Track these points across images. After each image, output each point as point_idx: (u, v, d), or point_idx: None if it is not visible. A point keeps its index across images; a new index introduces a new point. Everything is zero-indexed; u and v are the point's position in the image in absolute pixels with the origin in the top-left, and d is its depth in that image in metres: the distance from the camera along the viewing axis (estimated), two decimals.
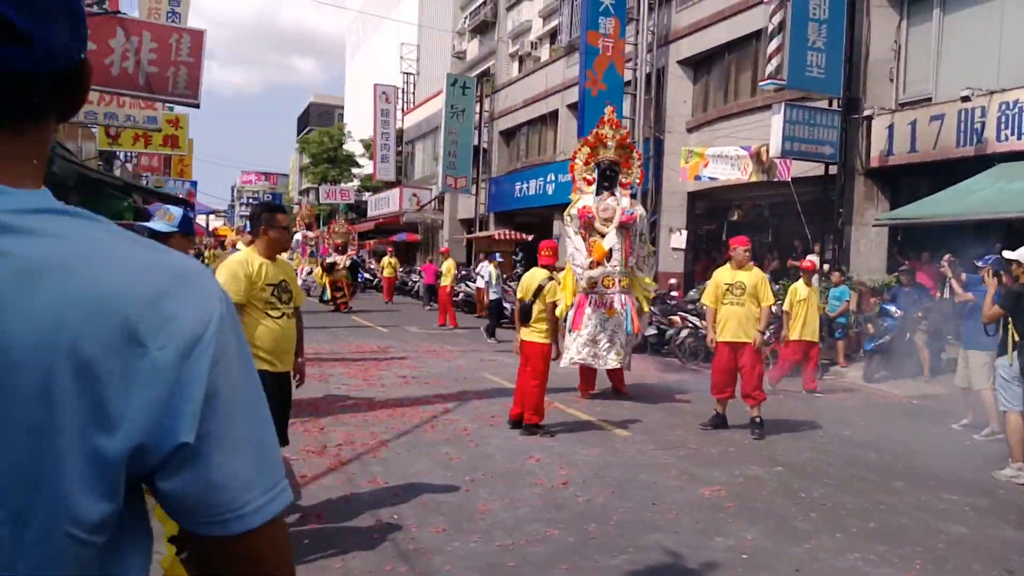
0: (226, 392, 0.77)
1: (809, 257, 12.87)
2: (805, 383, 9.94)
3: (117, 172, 22.44)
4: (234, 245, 9.06)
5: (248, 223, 4.54)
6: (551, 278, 7.27)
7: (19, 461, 0.68)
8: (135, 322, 0.72)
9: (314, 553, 4.21)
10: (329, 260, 20.98)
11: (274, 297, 4.43)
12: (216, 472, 0.77)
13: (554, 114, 23.78)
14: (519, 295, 7.48)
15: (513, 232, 24.05)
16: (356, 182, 45.81)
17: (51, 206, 0.75)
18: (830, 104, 13.00)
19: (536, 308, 7.14)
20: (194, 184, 27.90)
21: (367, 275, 26.92)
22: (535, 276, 7.32)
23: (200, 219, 23.02)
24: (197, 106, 13.02)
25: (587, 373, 9.24)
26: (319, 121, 61.06)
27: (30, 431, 0.69)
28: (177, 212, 4.22)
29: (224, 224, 45.56)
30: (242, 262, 4.38)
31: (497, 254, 18.23)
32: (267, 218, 4.50)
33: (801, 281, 9.94)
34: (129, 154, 24.58)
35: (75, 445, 0.70)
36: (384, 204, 36.72)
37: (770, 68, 12.31)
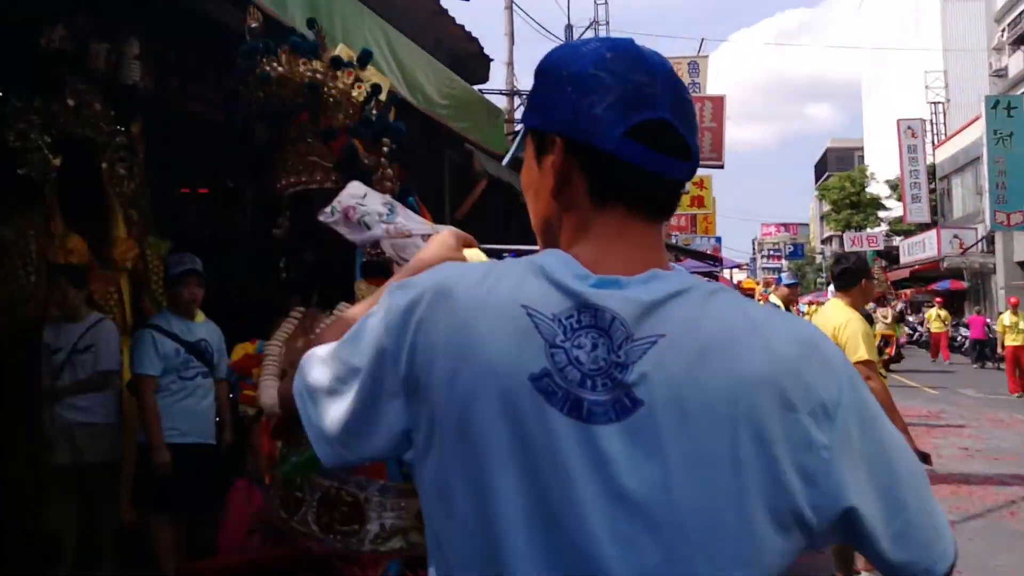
0: (873, 449, 0.82)
1: None
2: None
3: None
4: (766, 299, 9.06)
5: (835, 276, 4.51)
6: None
7: (719, 520, 0.77)
8: (786, 389, 0.79)
9: None
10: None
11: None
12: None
13: None
14: None
15: None
16: (883, 226, 42.55)
17: (694, 282, 0.85)
18: None
19: None
20: (718, 240, 29.28)
21: (908, 329, 24.47)
22: None
23: (724, 273, 23.91)
24: (721, 166, 13.71)
25: None
26: (837, 166, 58.87)
27: (724, 493, 0.77)
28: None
29: (747, 277, 46.66)
30: (858, 318, 4.22)
31: None
32: (865, 270, 4.45)
33: None
34: None
35: (759, 505, 0.78)
36: (919, 249, 33.13)
37: None
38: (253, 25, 2.15)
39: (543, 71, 0.93)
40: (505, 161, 1.17)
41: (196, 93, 4.38)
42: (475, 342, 0.82)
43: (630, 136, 0.85)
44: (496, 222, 9.96)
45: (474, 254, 1.23)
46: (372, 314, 0.92)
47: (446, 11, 6.52)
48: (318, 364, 0.95)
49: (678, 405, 0.78)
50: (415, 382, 0.85)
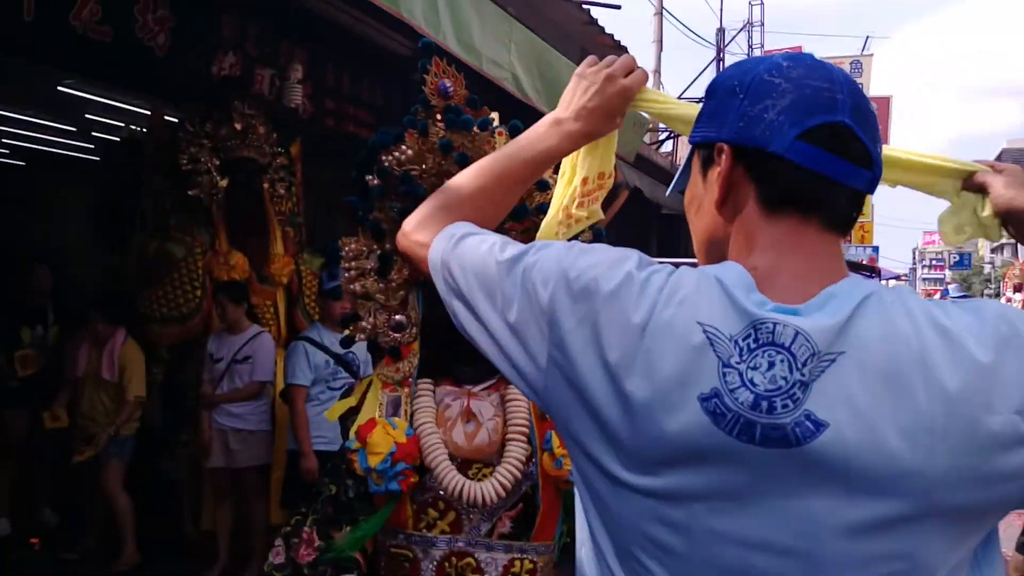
0: None
1: None
2: None
3: None
4: None
5: None
6: None
7: (901, 538, 0.75)
8: (988, 394, 0.74)
9: None
10: None
11: None
12: None
13: None
14: None
15: None
16: None
17: (871, 289, 0.79)
18: None
19: None
20: (875, 250, 27.36)
21: None
22: None
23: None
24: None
25: None
26: None
27: (911, 511, 0.74)
28: None
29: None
30: None
31: None
32: None
33: None
34: None
35: (945, 515, 0.75)
36: None
37: None
38: (448, 85, 1.77)
39: (713, 88, 0.90)
40: (669, 191, 1.09)
41: (350, 114, 4.51)
42: (644, 354, 0.79)
43: (804, 139, 0.81)
44: (638, 231, 9.75)
45: (647, 95, 1.09)
46: (541, 249, 0.89)
47: (596, 20, 6.43)
48: (474, 243, 0.95)
49: (867, 425, 0.74)
50: (566, 370, 0.84)
